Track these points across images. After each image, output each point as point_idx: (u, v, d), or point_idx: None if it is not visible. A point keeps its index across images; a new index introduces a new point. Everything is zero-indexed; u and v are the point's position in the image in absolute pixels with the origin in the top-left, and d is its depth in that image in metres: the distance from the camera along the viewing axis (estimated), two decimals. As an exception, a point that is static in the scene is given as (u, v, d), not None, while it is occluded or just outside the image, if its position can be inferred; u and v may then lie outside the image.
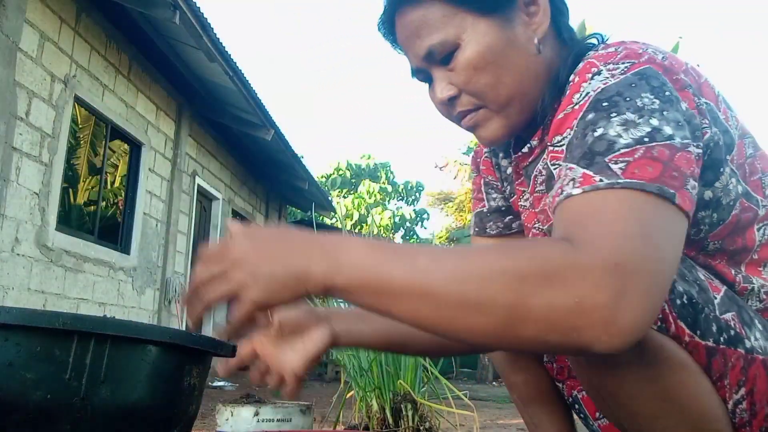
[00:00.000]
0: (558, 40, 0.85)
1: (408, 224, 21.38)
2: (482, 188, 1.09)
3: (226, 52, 5.76)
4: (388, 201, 21.70)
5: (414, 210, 21.93)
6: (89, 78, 5.37)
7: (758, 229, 0.77)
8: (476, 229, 1.10)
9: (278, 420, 1.97)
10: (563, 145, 0.69)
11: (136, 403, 0.54)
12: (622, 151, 0.62)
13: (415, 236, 21.27)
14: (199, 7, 5.08)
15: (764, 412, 0.69)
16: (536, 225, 0.96)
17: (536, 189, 0.92)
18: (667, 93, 0.67)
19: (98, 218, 5.90)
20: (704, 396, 0.68)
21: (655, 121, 0.64)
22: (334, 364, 7.70)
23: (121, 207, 6.47)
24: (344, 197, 20.94)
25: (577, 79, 0.72)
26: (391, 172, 22.94)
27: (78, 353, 0.52)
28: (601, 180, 0.60)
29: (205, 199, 8.44)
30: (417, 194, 22.65)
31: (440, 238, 14.57)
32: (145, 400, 0.55)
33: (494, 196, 1.08)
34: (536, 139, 0.87)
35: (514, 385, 1.12)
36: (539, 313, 0.54)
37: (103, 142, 5.98)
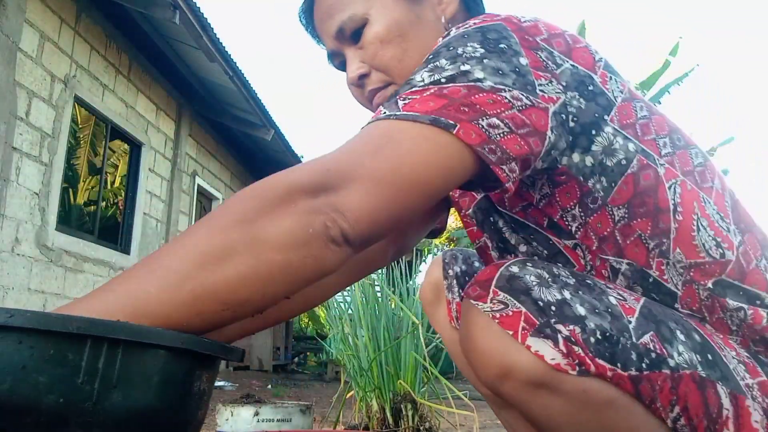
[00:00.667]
0: (468, 17, 0.85)
1: (407, 224, 21.34)
2: None
3: (226, 52, 5.76)
4: (388, 201, 21.67)
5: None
6: (89, 78, 5.37)
7: (669, 187, 0.75)
8: None
9: (278, 420, 1.98)
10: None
11: (147, 408, 0.55)
12: (415, 89, 0.65)
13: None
14: (199, 7, 5.08)
15: (703, 425, 0.67)
16: (469, 211, 0.98)
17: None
18: (501, 45, 0.68)
19: (98, 218, 5.91)
20: (642, 424, 0.68)
21: (465, 66, 0.66)
22: (334, 364, 7.71)
23: (121, 207, 6.47)
24: (343, 197, 20.91)
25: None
26: (391, 172, 22.93)
27: (91, 357, 0.53)
28: (384, 113, 0.64)
29: (205, 199, 8.45)
30: (416, 194, 22.62)
31: (440, 237, 14.56)
32: (156, 405, 0.56)
33: None
34: None
35: (486, 392, 1.11)
36: (277, 240, 0.56)
37: (103, 142, 5.98)
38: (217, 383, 5.45)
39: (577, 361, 0.65)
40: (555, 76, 0.71)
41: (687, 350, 0.68)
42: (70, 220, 5.84)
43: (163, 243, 6.88)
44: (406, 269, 2.92)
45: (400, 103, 0.64)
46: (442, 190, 0.65)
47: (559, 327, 0.65)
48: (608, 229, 0.76)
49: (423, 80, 0.66)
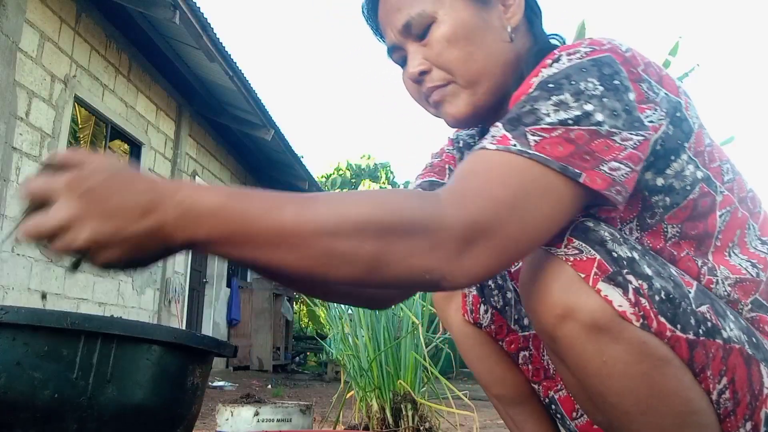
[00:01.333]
0: (529, 35, 0.89)
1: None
2: (446, 170, 1.09)
3: (226, 52, 5.76)
4: (388, 201, 21.68)
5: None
6: (89, 78, 5.38)
7: (720, 216, 0.79)
8: (424, 182, 1.10)
9: (278, 420, 1.98)
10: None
11: (141, 403, 0.55)
12: (543, 126, 0.67)
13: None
14: (199, 7, 5.08)
15: (746, 400, 0.71)
16: None
17: None
18: (615, 81, 0.71)
19: (98, 218, 5.90)
20: (689, 389, 0.70)
21: (588, 107, 0.68)
22: (334, 364, 7.71)
23: (121, 207, 6.46)
24: (344, 197, 20.92)
25: (540, 64, 0.77)
26: (391, 172, 22.95)
27: (85, 353, 0.53)
28: (514, 145, 0.66)
29: (204, 199, 8.44)
30: (416, 194, 22.62)
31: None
32: (151, 399, 0.56)
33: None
34: None
35: (494, 389, 1.12)
36: (396, 261, 0.60)
37: (103, 142, 5.98)
38: (217, 383, 5.44)
39: (642, 313, 0.68)
40: (657, 104, 0.74)
41: (736, 328, 0.72)
42: (70, 220, 5.84)
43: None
44: (405, 269, 2.91)
45: (530, 138, 0.67)
46: (561, 226, 0.70)
47: (630, 278, 0.68)
48: (660, 245, 0.80)
49: (549, 115, 0.68)
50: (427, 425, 2.39)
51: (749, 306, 0.78)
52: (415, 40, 0.86)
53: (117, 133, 6.10)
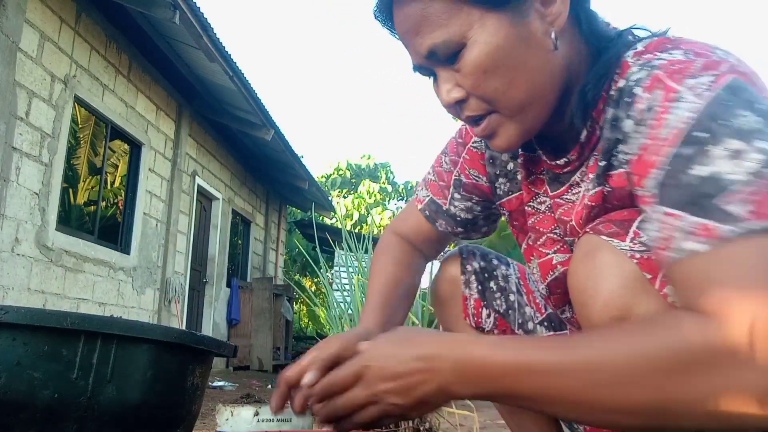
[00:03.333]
0: (578, 33, 0.75)
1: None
2: (450, 189, 1.04)
3: (226, 52, 5.76)
4: (388, 201, 21.70)
5: (413, 210, 21.91)
6: (89, 78, 5.38)
7: None
8: (427, 213, 1.07)
9: (278, 420, 1.97)
10: (651, 187, 0.61)
11: (141, 402, 0.55)
12: (738, 188, 0.54)
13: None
14: (199, 7, 5.08)
15: None
16: (555, 231, 0.90)
17: (563, 196, 0.85)
18: (760, 106, 0.59)
19: (98, 218, 5.91)
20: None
21: (762, 144, 0.56)
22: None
23: (121, 207, 6.47)
24: (344, 197, 20.95)
25: (650, 99, 0.64)
26: (391, 172, 22.94)
27: (85, 353, 0.53)
28: (729, 229, 0.53)
29: (205, 199, 8.45)
30: (416, 194, 22.63)
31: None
32: (150, 399, 0.56)
33: (457, 204, 1.04)
34: (575, 154, 0.80)
35: None
36: (689, 407, 0.52)
37: (103, 142, 5.98)
38: (217, 383, 5.44)
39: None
40: None
41: None
42: (70, 220, 5.84)
43: (162, 243, 6.89)
44: (405, 269, 2.91)
45: (735, 210, 0.53)
46: None
47: None
48: None
49: (734, 173, 0.55)
50: (426, 425, 2.39)
51: None
52: (445, 65, 0.73)
53: (117, 133, 6.09)
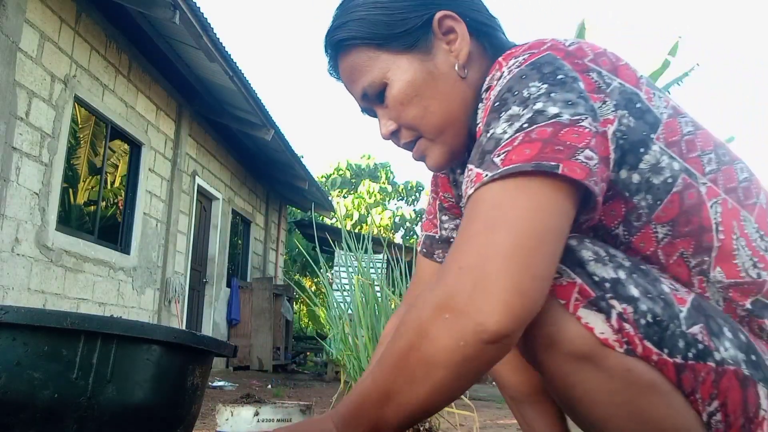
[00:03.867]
0: (485, 57, 0.87)
1: (408, 224, 21.40)
2: (437, 214, 1.12)
3: (226, 52, 5.76)
4: (388, 201, 21.70)
5: (414, 210, 21.93)
6: (89, 78, 5.38)
7: (711, 206, 0.75)
8: (424, 251, 1.13)
9: (278, 420, 1.97)
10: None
11: (141, 403, 0.55)
12: (504, 143, 0.66)
13: (415, 236, 21.27)
14: (199, 7, 5.08)
15: (739, 423, 0.68)
16: None
17: None
18: (559, 76, 0.69)
19: (98, 218, 5.91)
20: (679, 412, 0.68)
21: (539, 105, 0.67)
22: (334, 364, 7.70)
23: (121, 207, 6.47)
24: (344, 197, 20.94)
25: (488, 80, 0.77)
26: (391, 172, 22.94)
27: (85, 353, 0.53)
28: (486, 175, 0.65)
29: (205, 199, 8.45)
30: (417, 194, 22.64)
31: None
32: (151, 399, 0.56)
33: (446, 225, 1.11)
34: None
35: (507, 386, 1.12)
36: (437, 349, 0.62)
37: (103, 142, 5.98)
38: (217, 383, 5.44)
39: (626, 339, 0.66)
40: (607, 95, 0.72)
41: (733, 347, 0.69)
42: (70, 220, 5.84)
43: (162, 243, 6.89)
44: (405, 269, 2.91)
45: (497, 160, 0.65)
46: (567, 233, 0.66)
47: (614, 303, 0.66)
48: (651, 248, 0.76)
49: (506, 132, 0.67)
50: (427, 425, 2.39)
51: (747, 306, 0.74)
52: (378, 104, 0.88)
53: (117, 133, 6.09)
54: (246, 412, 1.96)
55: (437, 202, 1.12)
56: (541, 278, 0.62)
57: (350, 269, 3.01)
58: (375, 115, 0.92)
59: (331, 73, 0.95)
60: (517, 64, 0.72)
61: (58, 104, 4.91)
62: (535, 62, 0.71)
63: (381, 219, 18.73)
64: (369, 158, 22.91)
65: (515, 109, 0.67)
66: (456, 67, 0.84)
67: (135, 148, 6.44)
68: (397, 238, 19.80)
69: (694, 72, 9.04)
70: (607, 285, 0.67)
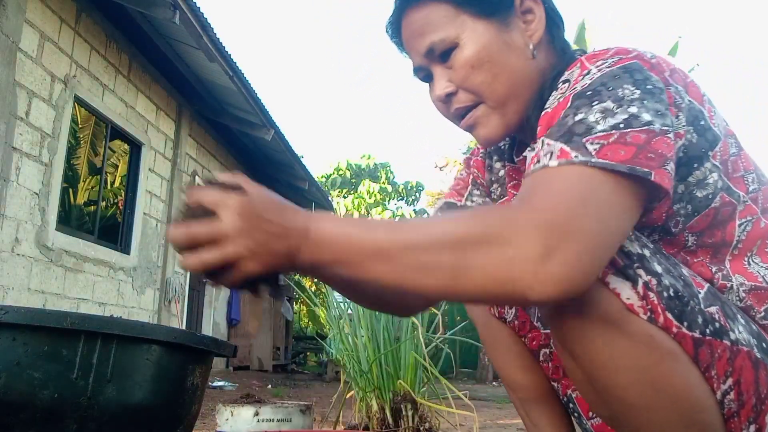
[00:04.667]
0: (552, 49, 0.90)
1: (407, 224, 21.35)
2: (469, 185, 1.13)
3: (226, 52, 5.76)
4: (388, 201, 21.70)
5: (414, 210, 21.93)
6: (89, 78, 5.38)
7: (740, 225, 0.80)
8: (439, 215, 1.13)
9: (278, 420, 1.97)
10: (546, 127, 0.74)
11: (141, 402, 0.55)
12: (598, 134, 0.67)
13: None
14: (199, 7, 5.08)
15: (751, 403, 0.71)
16: None
17: None
18: (649, 86, 0.72)
19: (98, 218, 5.91)
20: (695, 385, 0.70)
21: (633, 109, 0.69)
22: (334, 364, 7.71)
23: (121, 207, 6.47)
24: (344, 197, 20.94)
25: (568, 74, 0.78)
26: (391, 172, 22.94)
27: (85, 353, 0.53)
28: (576, 156, 0.66)
29: (204, 199, 8.44)
30: (417, 194, 22.65)
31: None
32: (151, 399, 0.56)
33: (475, 199, 1.12)
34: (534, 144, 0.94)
35: (514, 384, 1.12)
36: (476, 271, 0.62)
37: (103, 142, 5.98)
38: (217, 383, 5.44)
39: (649, 307, 0.69)
40: (680, 111, 0.76)
41: (746, 332, 0.73)
42: (70, 220, 5.84)
43: (162, 243, 6.89)
44: (405, 269, 2.91)
45: (590, 148, 0.66)
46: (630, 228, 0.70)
47: (640, 272, 0.69)
48: (674, 251, 0.81)
49: (599, 123, 0.68)
50: (427, 425, 2.39)
51: (763, 313, 0.79)
52: (439, 63, 0.88)
53: (117, 133, 6.09)
54: (246, 412, 1.96)
55: (470, 177, 1.13)
56: (597, 272, 0.65)
57: (350, 269, 3.00)
58: (426, 78, 0.92)
59: (388, 28, 0.94)
60: (607, 64, 0.74)
61: (58, 104, 4.91)
62: (627, 67, 0.73)
63: (381, 219, 18.71)
64: (369, 158, 22.91)
65: (609, 104, 0.69)
66: (530, 46, 0.86)
67: (135, 148, 6.44)
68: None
69: (694, 72, 9.05)
70: (635, 257, 0.70)
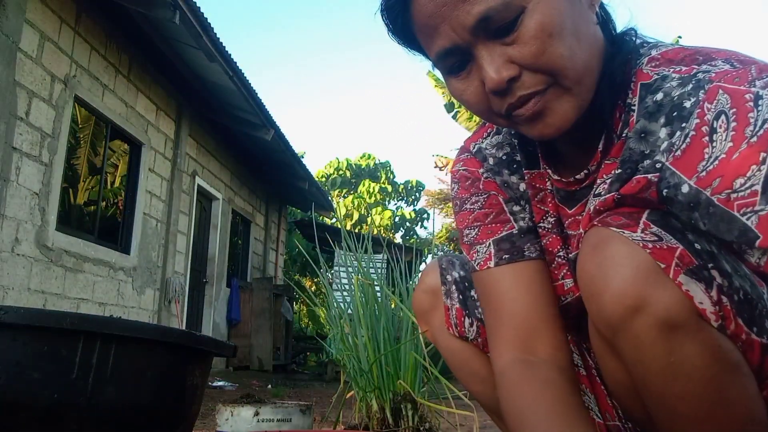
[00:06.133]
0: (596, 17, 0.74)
1: (408, 224, 21.40)
2: (505, 207, 0.91)
3: (226, 52, 5.76)
4: (388, 201, 21.71)
5: (414, 210, 21.94)
6: (89, 78, 5.38)
7: None
8: (507, 257, 0.88)
9: (278, 420, 1.97)
10: (750, 187, 0.59)
11: (141, 403, 0.55)
12: None
13: (415, 236, 21.27)
14: (199, 7, 5.08)
15: None
16: (560, 253, 0.88)
17: (582, 213, 0.83)
18: None
19: (98, 218, 5.91)
20: (753, 399, 0.65)
21: None
22: (334, 364, 7.71)
23: (121, 207, 6.47)
24: (344, 197, 20.95)
25: (714, 106, 0.64)
26: (391, 172, 22.95)
27: (84, 353, 0.53)
28: None
29: (205, 199, 8.45)
30: (417, 194, 22.66)
31: (440, 238, 14.58)
32: (150, 399, 0.55)
33: (522, 215, 0.91)
34: (594, 164, 0.78)
35: (487, 405, 1.06)
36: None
37: (103, 142, 5.98)
38: (217, 383, 5.44)
39: (722, 313, 0.62)
40: None
41: None
42: (70, 220, 5.84)
43: (162, 243, 6.89)
44: (405, 269, 2.91)
45: None
46: None
47: (715, 273, 0.62)
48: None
49: None
50: (427, 425, 2.39)
51: None
52: (492, 39, 0.67)
53: (117, 133, 6.09)
54: (246, 412, 1.96)
55: (497, 197, 0.92)
56: None
57: (350, 269, 3.01)
58: (459, 66, 0.71)
59: (387, 4, 0.73)
60: (752, 76, 0.62)
61: (58, 104, 4.91)
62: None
63: (381, 219, 18.74)
64: (369, 158, 22.92)
65: None
66: (596, 8, 0.72)
67: (135, 148, 6.44)
68: (397, 238, 19.81)
69: (694, 72, 9.03)
70: (706, 255, 0.63)
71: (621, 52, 0.73)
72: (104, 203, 6.32)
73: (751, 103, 0.60)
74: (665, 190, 0.66)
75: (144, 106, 6.42)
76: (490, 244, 0.89)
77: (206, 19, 5.24)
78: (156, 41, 5.99)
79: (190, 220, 7.66)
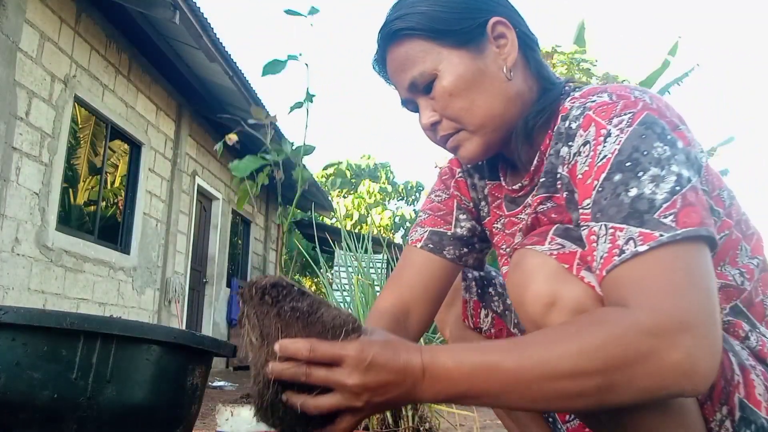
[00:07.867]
0: (528, 70, 0.93)
1: (408, 224, 21.40)
2: (454, 212, 1.12)
3: (226, 52, 5.76)
4: (388, 201, 21.70)
5: (414, 210, 21.92)
6: (89, 78, 5.38)
7: (719, 239, 0.83)
8: (431, 246, 1.09)
9: (278, 420, 1.97)
10: (587, 207, 0.75)
11: (141, 403, 0.55)
12: (664, 205, 0.68)
13: (414, 236, 21.23)
14: (199, 7, 5.08)
15: (721, 385, 0.75)
16: (503, 247, 1.06)
17: (518, 216, 1.01)
18: (669, 136, 0.74)
19: (98, 218, 5.91)
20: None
21: (675, 168, 0.71)
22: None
23: (121, 207, 6.47)
24: (344, 197, 20.94)
25: (585, 135, 0.79)
26: (391, 172, 22.94)
27: (84, 353, 0.53)
28: (661, 235, 0.66)
29: (205, 199, 8.44)
30: (417, 194, 22.65)
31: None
32: (150, 399, 0.56)
33: (463, 224, 1.11)
34: (527, 179, 0.96)
35: None
36: (624, 389, 0.63)
37: (103, 142, 5.98)
38: (217, 383, 5.44)
39: None
40: (692, 142, 0.79)
41: None
42: (70, 220, 5.84)
43: (162, 243, 6.89)
44: (405, 269, 2.91)
45: (667, 221, 0.67)
46: None
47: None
48: None
49: (656, 193, 0.69)
50: (427, 425, 2.39)
51: (726, 311, 0.84)
52: (423, 95, 0.91)
53: (117, 133, 6.09)
54: (246, 412, 1.96)
55: (453, 201, 1.12)
56: (719, 316, 0.68)
57: (350, 269, 3.01)
58: (414, 109, 0.96)
59: (374, 65, 0.99)
60: (625, 122, 0.75)
61: (58, 104, 4.91)
62: (645, 122, 0.75)
63: (381, 219, 18.75)
64: (369, 158, 22.91)
65: (654, 170, 0.70)
66: (504, 70, 0.89)
67: (135, 148, 6.44)
68: (397, 238, 19.80)
69: (694, 72, 9.04)
70: None
71: (550, 94, 0.91)
72: (104, 203, 6.31)
73: (602, 138, 0.76)
74: (566, 193, 0.84)
75: (144, 106, 6.42)
76: (427, 230, 1.11)
77: (206, 19, 5.24)
78: (156, 41, 5.99)
79: (190, 220, 7.66)
